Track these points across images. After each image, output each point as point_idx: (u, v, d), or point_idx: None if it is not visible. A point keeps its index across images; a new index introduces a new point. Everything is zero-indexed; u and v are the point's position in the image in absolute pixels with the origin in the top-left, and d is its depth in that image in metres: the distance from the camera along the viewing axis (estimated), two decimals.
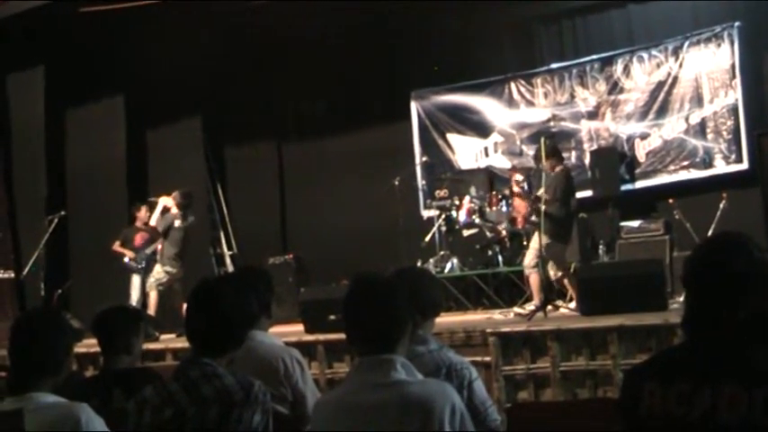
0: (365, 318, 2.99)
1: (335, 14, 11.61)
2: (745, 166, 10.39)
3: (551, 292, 9.03)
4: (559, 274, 9.00)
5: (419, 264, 10.61)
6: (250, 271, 4.55)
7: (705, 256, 2.45)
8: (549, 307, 8.49)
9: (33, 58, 12.97)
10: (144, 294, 11.22)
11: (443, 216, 11.01)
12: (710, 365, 2.28)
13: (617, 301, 7.61)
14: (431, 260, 10.87)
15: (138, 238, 11.41)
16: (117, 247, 11.42)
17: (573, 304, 8.69)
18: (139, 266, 11.25)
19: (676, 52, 10.88)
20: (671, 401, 2.29)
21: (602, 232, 10.67)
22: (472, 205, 10.67)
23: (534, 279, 8.92)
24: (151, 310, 10.78)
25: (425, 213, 12.09)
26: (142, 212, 11.59)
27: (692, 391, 2.26)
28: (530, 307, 8.76)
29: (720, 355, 2.29)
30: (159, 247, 11.14)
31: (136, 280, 11.30)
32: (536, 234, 8.91)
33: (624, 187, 11.00)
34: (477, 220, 10.65)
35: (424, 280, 4.01)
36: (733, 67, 10.50)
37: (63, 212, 12.03)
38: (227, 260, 13.48)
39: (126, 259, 11.28)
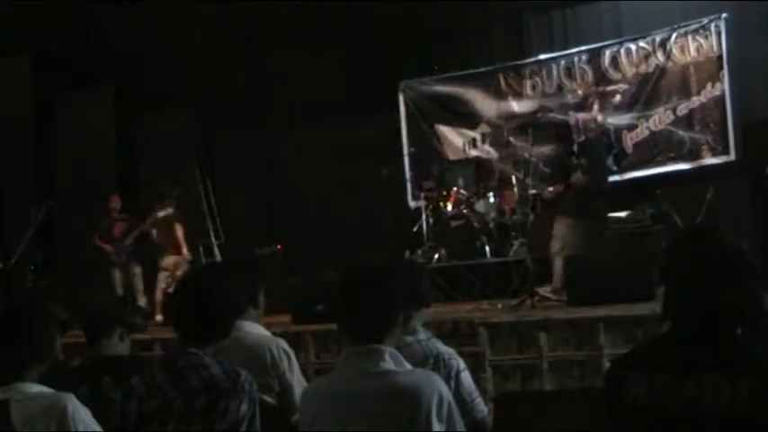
0: (358, 308, 2.99)
1: (323, 5, 11.59)
2: (732, 157, 10.42)
3: (537, 281, 9.03)
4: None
5: (407, 254, 10.62)
6: (238, 261, 4.55)
7: (678, 249, 2.47)
8: (537, 297, 8.51)
9: (21, 47, 12.91)
10: (129, 287, 11.16)
11: (431, 207, 11.01)
12: (694, 355, 2.30)
13: (604, 292, 7.62)
14: (418, 251, 10.87)
15: (117, 229, 11.28)
16: (98, 241, 11.32)
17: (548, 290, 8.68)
18: (120, 260, 11.15)
19: (664, 44, 10.89)
20: (655, 391, 2.31)
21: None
22: (460, 196, 10.68)
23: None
24: (142, 302, 10.78)
25: (413, 204, 12.09)
26: (113, 202, 11.45)
27: (677, 380, 2.28)
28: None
29: (704, 344, 2.31)
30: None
31: (117, 273, 11.19)
32: (556, 222, 8.88)
33: (611, 178, 10.99)
34: (465, 211, 10.66)
35: (414, 271, 4.02)
36: (720, 58, 10.52)
37: (51, 202, 11.96)
38: (215, 250, 13.43)
39: (106, 251, 11.20)
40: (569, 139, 9.40)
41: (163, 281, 10.70)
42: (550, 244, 8.90)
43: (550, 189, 9.22)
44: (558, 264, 8.90)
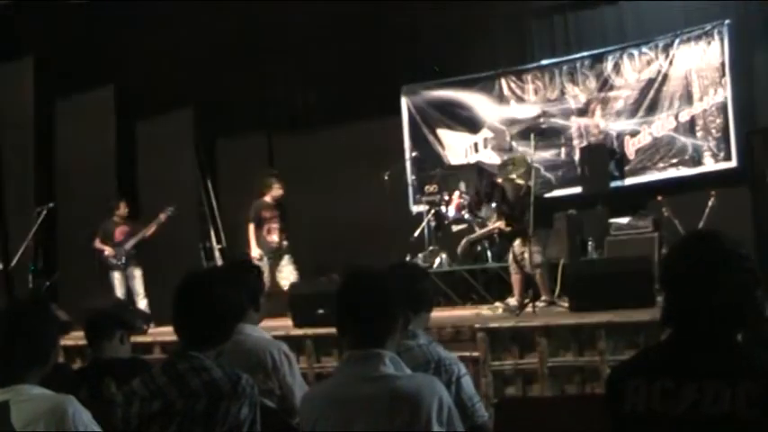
0: (357, 311, 2.99)
1: (327, 8, 11.59)
2: (733, 163, 10.42)
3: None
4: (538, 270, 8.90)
5: (408, 258, 10.62)
6: (239, 264, 4.55)
7: (676, 254, 2.47)
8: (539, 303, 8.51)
9: (22, 50, 12.91)
10: (129, 290, 11.14)
11: (433, 211, 11.02)
12: (694, 362, 2.30)
13: (605, 298, 7.61)
14: (420, 255, 10.87)
15: (119, 233, 11.23)
16: (98, 243, 11.28)
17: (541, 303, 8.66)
18: (119, 263, 11.13)
19: (667, 50, 10.89)
20: (655, 398, 2.31)
21: (591, 229, 10.68)
22: (461, 201, 10.68)
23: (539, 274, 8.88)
24: (142, 304, 10.77)
25: (415, 208, 12.10)
26: (121, 209, 11.41)
27: (676, 387, 2.27)
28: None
29: (704, 351, 2.31)
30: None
31: (117, 276, 11.16)
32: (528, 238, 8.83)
33: (613, 184, 11.02)
34: (467, 216, 10.66)
35: (414, 274, 4.02)
36: (723, 65, 10.52)
37: (52, 204, 11.96)
38: (216, 253, 13.44)
39: (105, 253, 11.17)
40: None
41: None
42: (530, 258, 8.78)
43: (497, 224, 9.29)
44: (540, 276, 8.84)
